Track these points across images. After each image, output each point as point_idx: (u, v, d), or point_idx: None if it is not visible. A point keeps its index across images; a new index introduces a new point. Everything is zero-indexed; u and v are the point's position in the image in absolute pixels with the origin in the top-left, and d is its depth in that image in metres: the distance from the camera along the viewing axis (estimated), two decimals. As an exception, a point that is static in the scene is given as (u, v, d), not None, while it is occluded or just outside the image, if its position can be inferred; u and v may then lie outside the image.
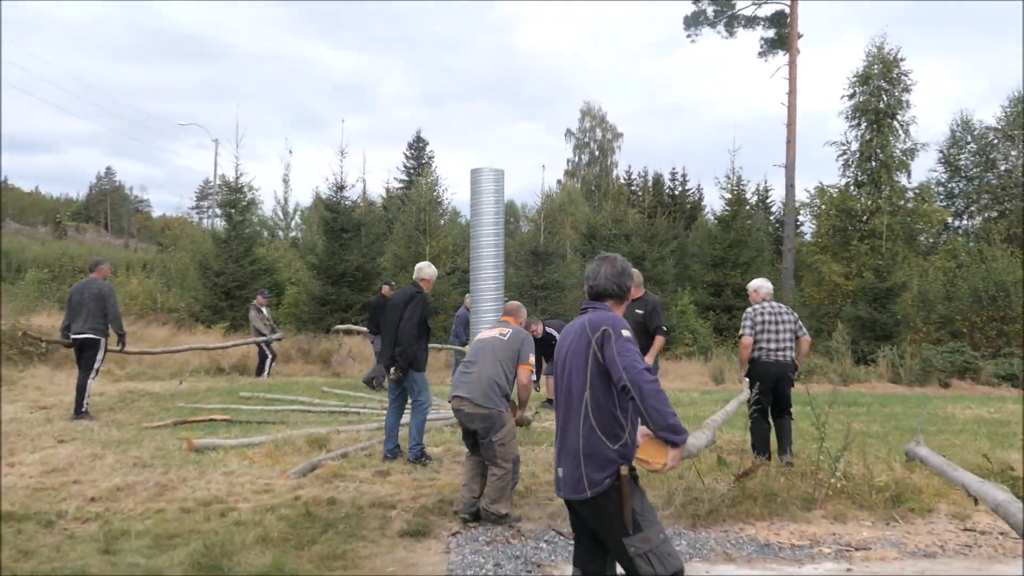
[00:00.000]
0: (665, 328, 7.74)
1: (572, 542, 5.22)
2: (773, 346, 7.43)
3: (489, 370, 5.55)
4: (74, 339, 9.43)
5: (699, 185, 62.07)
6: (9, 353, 12.83)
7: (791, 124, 29.35)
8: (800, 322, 7.67)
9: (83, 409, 9.29)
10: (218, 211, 22.01)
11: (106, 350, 9.82)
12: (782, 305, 7.72)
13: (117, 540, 4.83)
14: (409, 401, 7.33)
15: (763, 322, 7.51)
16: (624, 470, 3.06)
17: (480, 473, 5.60)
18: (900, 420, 10.69)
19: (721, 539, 5.39)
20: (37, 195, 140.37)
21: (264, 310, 14.82)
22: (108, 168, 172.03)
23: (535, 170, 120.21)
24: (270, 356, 14.69)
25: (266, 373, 14.44)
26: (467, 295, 15.27)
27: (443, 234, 23.02)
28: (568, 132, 61.33)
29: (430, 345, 7.94)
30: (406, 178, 50.01)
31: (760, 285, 7.94)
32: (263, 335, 14.49)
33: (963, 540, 5.56)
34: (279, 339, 15.18)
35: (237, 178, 21.58)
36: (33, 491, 5.88)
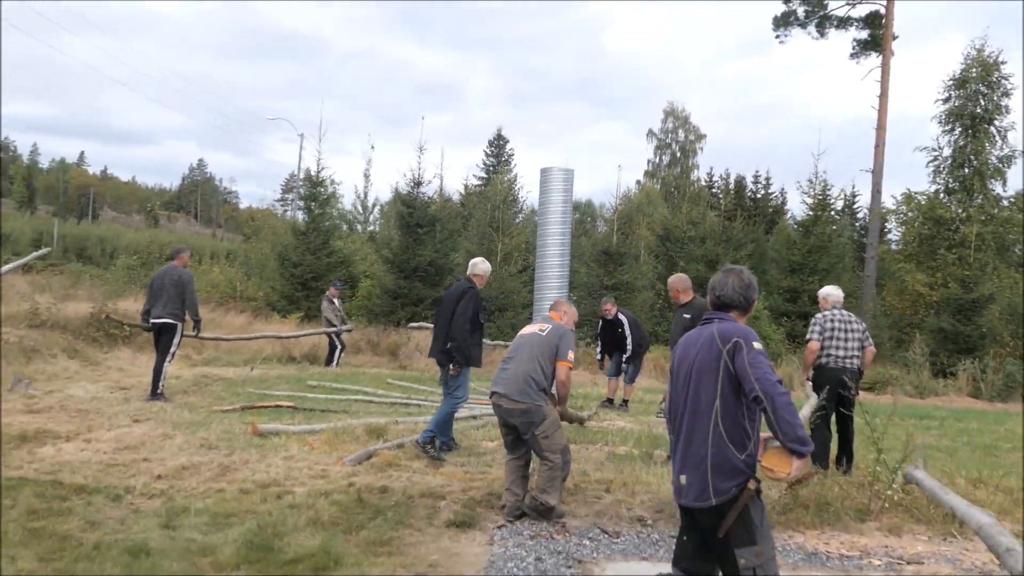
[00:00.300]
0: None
1: (615, 540, 5.24)
2: (841, 353, 7.36)
3: (525, 365, 5.50)
4: (153, 323, 9.80)
5: (783, 189, 60.90)
6: (96, 335, 13.46)
7: (881, 128, 28.46)
8: (867, 332, 7.54)
9: (159, 391, 9.68)
10: (300, 204, 22.51)
11: (182, 335, 10.16)
12: (851, 314, 7.61)
13: (178, 516, 5.06)
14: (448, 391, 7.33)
15: (832, 328, 7.45)
16: (752, 484, 3.15)
17: (522, 475, 5.58)
18: (973, 435, 10.30)
19: (775, 538, 5.28)
20: (134, 185, 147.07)
21: (336, 301, 15.16)
22: (200, 160, 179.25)
23: (614, 170, 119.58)
24: (340, 347, 15.02)
25: (335, 363, 14.78)
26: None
27: (517, 231, 23.12)
28: (650, 132, 60.74)
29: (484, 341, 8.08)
30: (485, 175, 50.37)
31: (830, 292, 7.89)
32: (334, 326, 14.83)
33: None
34: (349, 330, 15.52)
35: (318, 172, 22.16)
36: (106, 466, 6.19)
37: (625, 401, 11.42)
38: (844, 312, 7.55)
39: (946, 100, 24.28)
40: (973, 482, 7.05)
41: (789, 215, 44.39)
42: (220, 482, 5.95)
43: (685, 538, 3.43)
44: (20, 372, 10.11)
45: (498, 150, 55.60)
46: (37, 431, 7.16)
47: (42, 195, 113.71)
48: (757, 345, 3.16)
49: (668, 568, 4.76)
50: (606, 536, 5.37)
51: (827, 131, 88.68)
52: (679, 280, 8.18)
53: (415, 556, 4.71)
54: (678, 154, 59.96)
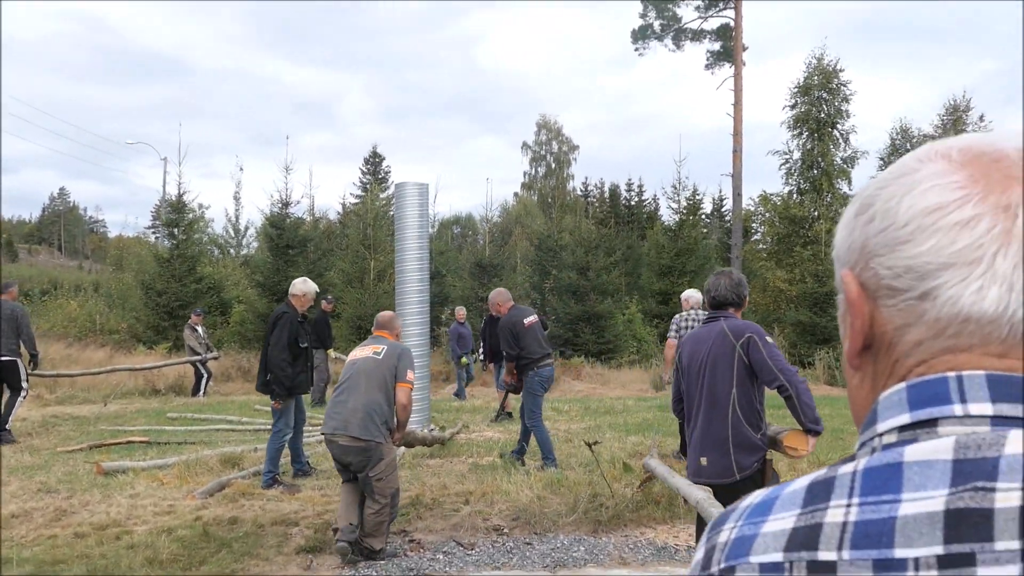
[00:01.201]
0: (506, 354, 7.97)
1: (469, 552, 5.25)
2: None
3: (364, 396, 5.03)
4: None
5: (655, 196, 62.88)
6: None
7: (737, 135, 29.76)
8: None
9: (6, 427, 9.13)
10: (164, 230, 21.59)
11: (28, 370, 9.59)
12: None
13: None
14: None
15: (688, 328, 7.98)
16: (769, 455, 3.59)
17: (357, 502, 5.17)
18: (826, 421, 10.83)
19: (620, 544, 5.42)
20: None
21: (199, 328, 14.64)
22: (62, 189, 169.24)
23: (498, 183, 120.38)
24: (205, 375, 14.49)
25: (202, 392, 14.24)
26: (459, 308, 14.97)
27: (391, 249, 22.91)
28: (524, 145, 61.67)
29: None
30: (362, 193, 49.84)
31: (691, 295, 8.49)
32: (198, 354, 14.30)
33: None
34: (215, 358, 14.97)
35: (180, 196, 21.31)
36: (-76, 520, 5.73)
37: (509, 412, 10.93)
38: (702, 312, 7.84)
39: (793, 106, 25.68)
40: (815, 465, 7.45)
41: (664, 220, 45.89)
42: (54, 527, 5.61)
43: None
44: None
45: (374, 167, 55.08)
46: None
47: None
48: (769, 340, 3.59)
49: (518, 574, 4.84)
50: (461, 548, 5.37)
51: (693, 138, 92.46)
52: (498, 294, 8.28)
53: (258, 586, 4.59)
54: (553, 165, 61.03)
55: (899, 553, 0.48)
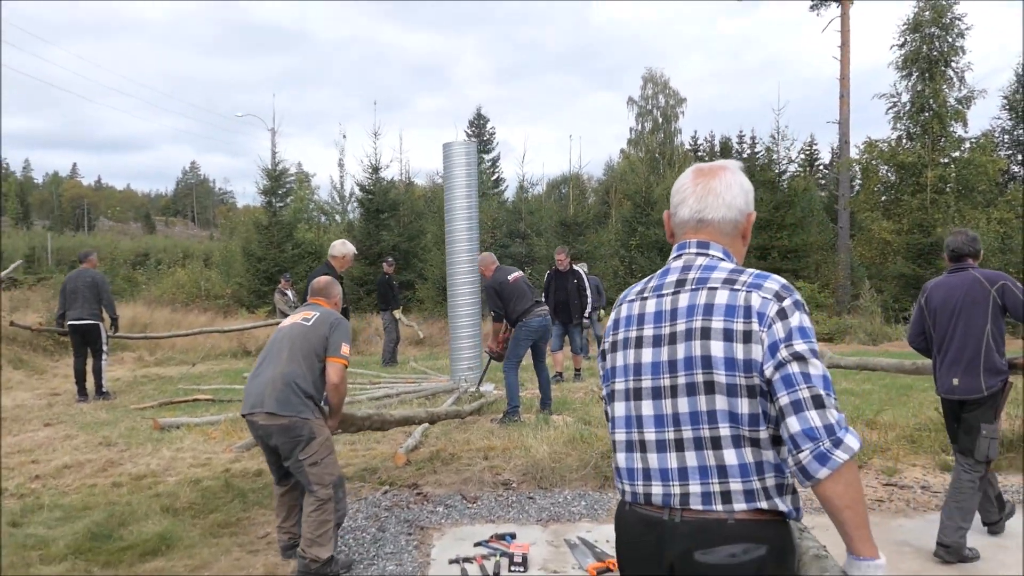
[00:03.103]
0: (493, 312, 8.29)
1: (470, 505, 5.32)
2: None
3: (284, 367, 4.16)
4: (72, 325, 9.86)
5: (768, 147, 60.63)
6: (46, 344, 13.59)
7: (844, 79, 28.22)
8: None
9: (103, 389, 9.89)
10: (261, 198, 22.54)
11: (107, 332, 10.24)
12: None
13: (32, 513, 5.16)
14: None
15: None
16: (1011, 379, 4.39)
17: (293, 506, 4.42)
18: (897, 377, 10.26)
19: (624, 502, 5.37)
20: (129, 192, 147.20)
21: (289, 292, 15.19)
22: (194, 162, 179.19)
23: (614, 139, 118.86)
24: None
25: None
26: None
27: (483, 210, 23.09)
28: (630, 100, 60.48)
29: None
30: (468, 155, 50.37)
31: None
32: (287, 316, 14.88)
33: (878, 495, 5.41)
34: None
35: (276, 165, 22.16)
36: (-11, 470, 6.29)
37: (577, 370, 10.86)
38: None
39: (901, 45, 24.07)
40: (868, 423, 7.13)
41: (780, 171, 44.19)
42: (97, 478, 6.06)
43: (955, 425, 4.52)
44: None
45: (479, 129, 55.45)
46: (-60, 441, 7.29)
47: (37, 210, 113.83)
48: (1019, 285, 4.30)
49: (512, 528, 4.88)
50: (464, 502, 5.46)
51: (802, 85, 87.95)
52: (482, 259, 8.58)
53: (256, 535, 4.82)
54: (660, 120, 59.66)
55: None
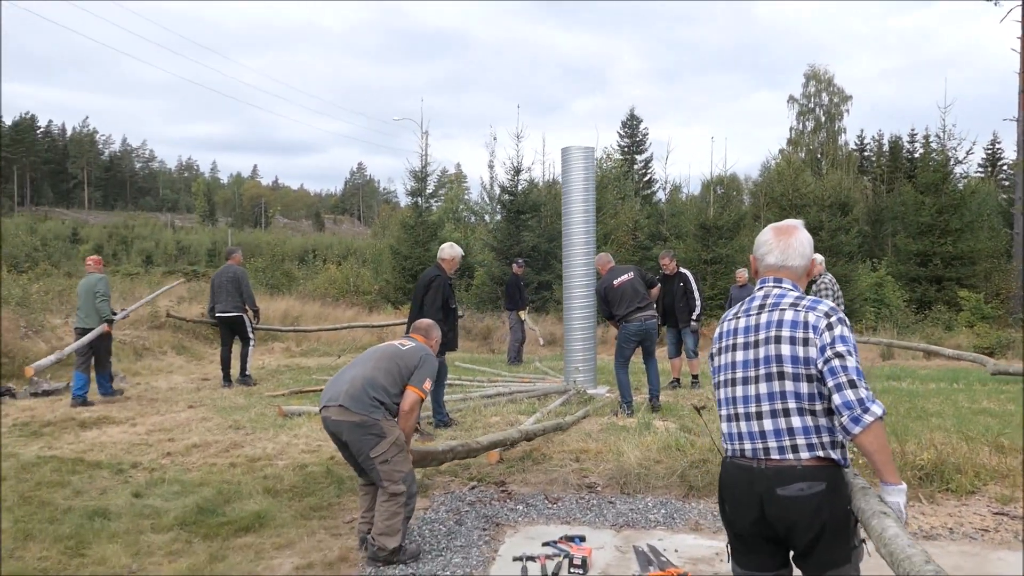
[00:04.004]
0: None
1: (551, 505, 5.42)
2: None
3: (368, 371, 4.47)
4: (219, 317, 10.82)
5: (943, 146, 56.54)
6: (207, 333, 14.80)
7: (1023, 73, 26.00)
8: None
9: (246, 373, 10.75)
10: (408, 198, 23.47)
11: (252, 322, 11.09)
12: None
13: (154, 486, 5.71)
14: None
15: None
16: None
17: (374, 498, 4.58)
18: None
19: (705, 511, 5.31)
20: (302, 192, 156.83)
21: None
22: (360, 163, 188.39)
23: (775, 140, 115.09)
24: None
25: None
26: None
27: (621, 210, 23.05)
28: (791, 99, 58.25)
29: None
30: (620, 157, 50.10)
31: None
32: None
33: (985, 524, 5.06)
34: (460, 316, 16.01)
35: (424, 167, 23.04)
36: (131, 446, 7.01)
37: (695, 377, 10.66)
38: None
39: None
40: (995, 446, 6.63)
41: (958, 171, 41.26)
42: (219, 458, 6.61)
43: None
44: (118, 368, 11.38)
45: (632, 130, 55.06)
46: (98, 417, 8.17)
47: (221, 208, 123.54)
48: None
49: (584, 530, 4.95)
50: (546, 502, 5.56)
51: (981, 80, 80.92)
52: (599, 259, 8.99)
53: (343, 519, 5.13)
54: (822, 118, 57.06)
55: None
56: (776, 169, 49.97)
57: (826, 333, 2.47)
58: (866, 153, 61.64)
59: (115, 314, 10.02)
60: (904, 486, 2.47)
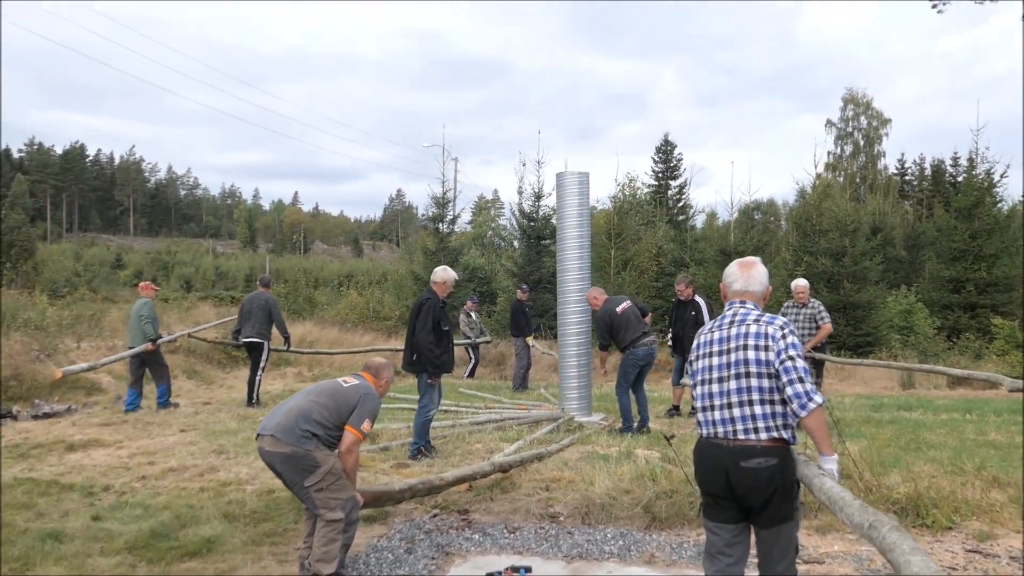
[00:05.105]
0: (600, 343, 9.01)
1: (509, 535, 5.32)
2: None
3: (303, 404, 4.47)
4: (244, 342, 11.10)
5: (990, 169, 55.40)
6: (219, 358, 14.98)
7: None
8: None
9: (254, 399, 10.90)
10: (429, 225, 23.60)
11: (270, 351, 11.30)
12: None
13: (116, 510, 5.74)
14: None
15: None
16: None
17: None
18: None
19: (664, 543, 5.18)
20: (342, 218, 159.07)
21: (473, 315, 15.60)
22: (399, 190, 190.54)
23: (812, 165, 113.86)
24: (474, 360, 15.57)
25: (466, 374, 15.33)
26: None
27: (645, 236, 22.89)
28: (828, 123, 57.73)
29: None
30: (654, 183, 49.96)
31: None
32: (468, 338, 15.40)
33: (956, 562, 4.85)
34: (487, 342, 16.06)
35: (444, 193, 23.18)
36: (109, 468, 7.08)
37: (694, 408, 10.60)
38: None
39: None
40: (987, 479, 6.38)
41: (1006, 195, 40.28)
42: (192, 482, 6.63)
43: None
44: (123, 391, 11.55)
45: (666, 156, 54.88)
46: (88, 440, 8.26)
47: (262, 234, 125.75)
48: None
49: (535, 561, 4.85)
50: (504, 531, 5.47)
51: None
52: (591, 291, 9.25)
53: (294, 546, 5.08)
54: (860, 142, 56.42)
55: None
56: (814, 193, 49.53)
57: (781, 341, 3.27)
58: (907, 177, 60.68)
59: (160, 336, 10.93)
60: (836, 456, 3.36)
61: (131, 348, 10.74)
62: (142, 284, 11.67)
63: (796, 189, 51.11)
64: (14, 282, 38.41)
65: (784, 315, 9.66)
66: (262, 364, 11.20)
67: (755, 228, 23.09)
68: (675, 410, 10.21)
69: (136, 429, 9.09)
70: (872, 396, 12.97)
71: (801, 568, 4.70)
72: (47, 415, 9.91)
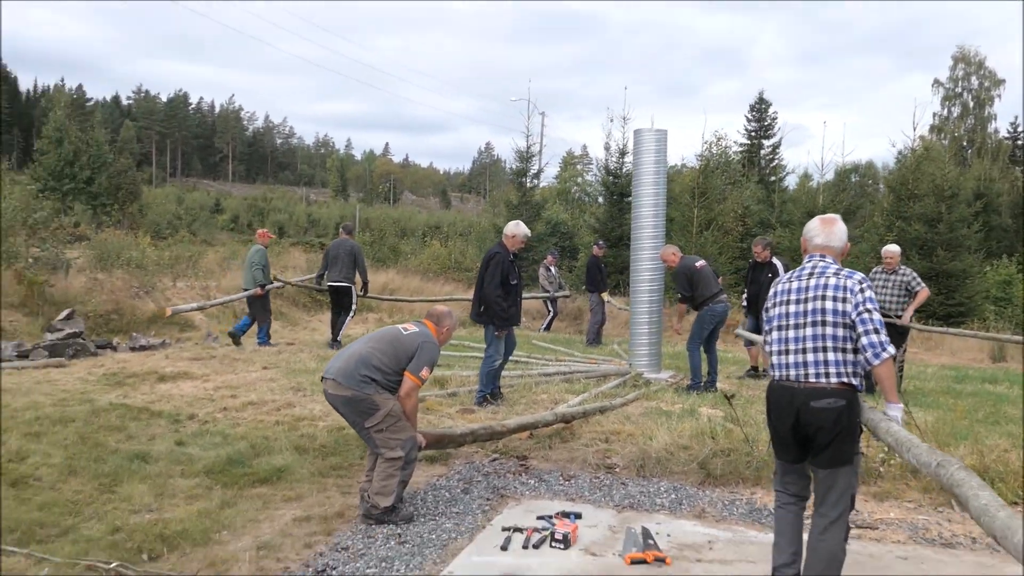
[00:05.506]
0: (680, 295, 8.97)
1: (564, 482, 5.47)
2: None
3: (364, 349, 4.69)
4: (330, 286, 11.55)
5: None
6: (305, 301, 15.54)
7: None
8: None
9: (338, 339, 11.41)
10: (512, 179, 23.67)
11: (356, 294, 11.73)
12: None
13: (197, 437, 6.13)
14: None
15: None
16: None
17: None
18: None
19: (716, 499, 5.24)
20: (431, 170, 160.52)
21: (552, 269, 15.74)
22: (488, 143, 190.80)
23: (925, 127, 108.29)
24: (552, 313, 15.75)
25: (543, 328, 15.55)
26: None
27: (731, 196, 22.47)
28: (935, 82, 54.80)
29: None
30: (746, 142, 48.69)
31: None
32: (547, 292, 15.59)
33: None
34: (566, 296, 16.23)
35: (529, 147, 23.17)
36: (196, 399, 7.52)
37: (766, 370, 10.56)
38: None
39: None
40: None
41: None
42: (269, 415, 6.99)
43: None
44: (213, 330, 12.16)
45: (760, 114, 53.26)
46: (178, 372, 8.78)
47: (353, 183, 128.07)
48: None
49: (586, 508, 4.99)
50: (561, 479, 5.62)
51: None
52: (665, 249, 9.25)
53: (358, 480, 5.35)
54: (970, 104, 53.42)
55: None
56: (916, 156, 47.37)
57: (860, 294, 3.46)
58: (1020, 142, 57.35)
59: (271, 282, 11.87)
60: (901, 405, 3.58)
61: (246, 289, 11.69)
62: (259, 231, 12.40)
63: (894, 152, 49.07)
64: (120, 223, 40.34)
65: (872, 280, 9.51)
66: (353, 307, 11.70)
67: (846, 191, 22.28)
68: (753, 371, 10.15)
69: (223, 364, 9.58)
70: (957, 367, 12.56)
71: (854, 532, 4.69)
72: (143, 347, 10.53)
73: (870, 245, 20.94)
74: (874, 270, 9.74)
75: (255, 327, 11.59)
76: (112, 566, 3.77)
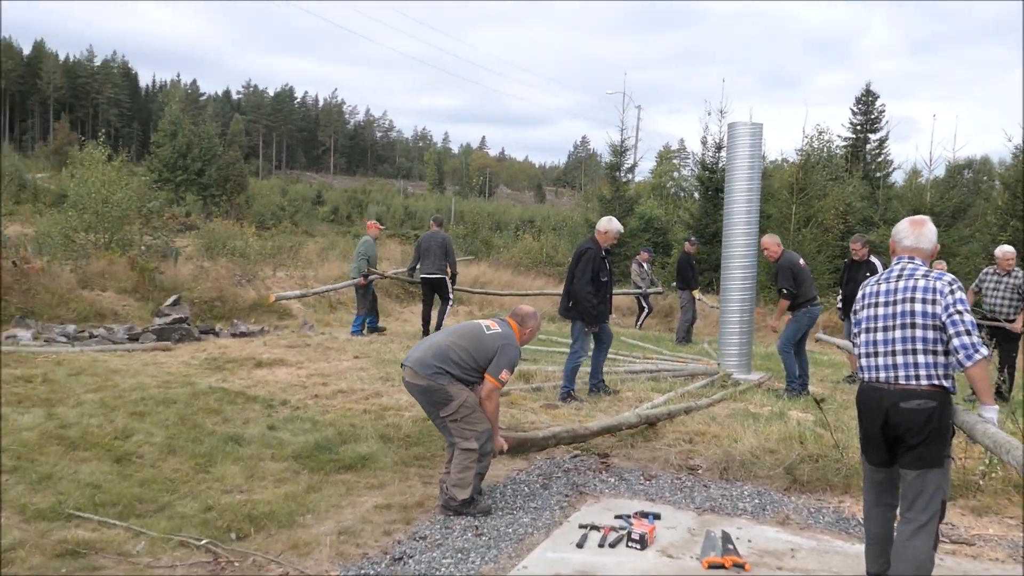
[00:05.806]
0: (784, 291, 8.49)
1: (644, 482, 5.42)
2: None
3: (444, 342, 4.70)
4: (424, 278, 11.72)
5: None
6: (399, 292, 15.85)
7: None
8: None
9: (440, 327, 11.57)
10: (606, 172, 23.53)
11: (451, 285, 11.93)
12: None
13: (289, 422, 6.35)
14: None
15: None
16: None
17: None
18: None
19: (802, 506, 5.10)
20: (527, 163, 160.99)
21: (645, 265, 15.62)
22: (584, 137, 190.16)
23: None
24: (646, 309, 15.64)
25: (638, 324, 15.46)
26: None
27: (832, 191, 21.70)
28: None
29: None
30: (851, 135, 47.01)
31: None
32: (639, 288, 15.49)
33: None
34: (658, 292, 16.08)
35: (623, 141, 22.97)
36: (289, 386, 7.78)
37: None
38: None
39: None
40: None
41: None
42: (357, 403, 7.18)
43: None
44: (310, 318, 12.54)
45: (866, 107, 51.24)
46: (274, 359, 9.10)
47: (450, 176, 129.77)
48: None
49: (666, 509, 4.93)
50: (641, 478, 5.57)
51: None
52: (770, 238, 8.88)
53: (439, 470, 5.44)
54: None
55: None
56: (1017, 152, 44.68)
57: (949, 296, 3.43)
58: None
59: (372, 274, 12.16)
60: (996, 407, 3.54)
61: (353, 277, 12.16)
62: (369, 223, 12.75)
63: (1011, 147, 46.47)
64: (228, 213, 42.07)
65: (983, 282, 9.06)
66: (450, 297, 11.88)
67: (956, 188, 21.21)
68: (852, 377, 9.78)
69: (316, 353, 9.88)
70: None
71: (948, 547, 4.50)
72: (243, 334, 10.96)
73: (981, 245, 19.89)
74: (984, 271, 9.26)
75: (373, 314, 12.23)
76: (203, 543, 3.95)
